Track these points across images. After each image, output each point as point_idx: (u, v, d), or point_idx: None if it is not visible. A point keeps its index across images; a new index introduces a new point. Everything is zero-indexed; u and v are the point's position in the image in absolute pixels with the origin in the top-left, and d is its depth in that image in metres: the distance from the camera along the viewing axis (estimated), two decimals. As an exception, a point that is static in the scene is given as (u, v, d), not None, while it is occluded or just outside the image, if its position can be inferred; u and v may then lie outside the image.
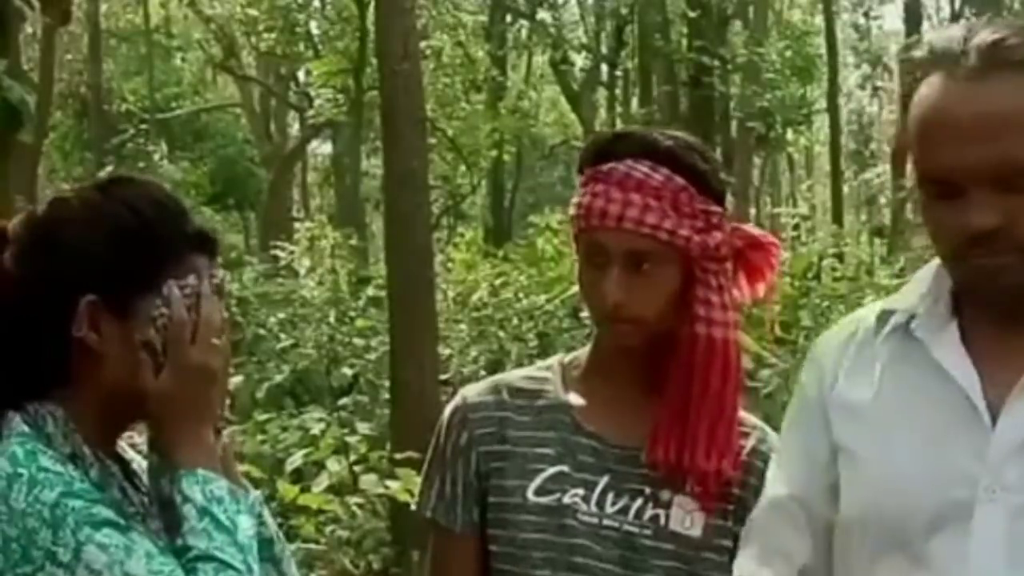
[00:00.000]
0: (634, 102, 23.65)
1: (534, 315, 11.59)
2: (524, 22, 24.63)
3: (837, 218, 21.31)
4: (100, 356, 1.68)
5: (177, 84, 28.06)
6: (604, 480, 2.03)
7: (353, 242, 15.84)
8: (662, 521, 2.02)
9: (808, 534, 1.78)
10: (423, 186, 8.09)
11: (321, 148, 29.95)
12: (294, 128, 28.02)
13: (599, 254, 2.00)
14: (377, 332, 10.90)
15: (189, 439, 1.67)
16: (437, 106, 20.49)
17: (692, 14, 18.47)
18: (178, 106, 26.89)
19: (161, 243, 1.70)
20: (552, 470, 2.04)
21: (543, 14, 23.42)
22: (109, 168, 17.24)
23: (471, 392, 2.15)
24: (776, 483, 1.84)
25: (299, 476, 6.85)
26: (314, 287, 13.97)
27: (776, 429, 1.99)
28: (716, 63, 18.61)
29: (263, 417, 8.26)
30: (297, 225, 20.33)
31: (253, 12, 22.36)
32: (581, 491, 2.03)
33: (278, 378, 10.49)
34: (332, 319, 12.21)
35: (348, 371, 10.68)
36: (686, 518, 2.02)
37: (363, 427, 7.67)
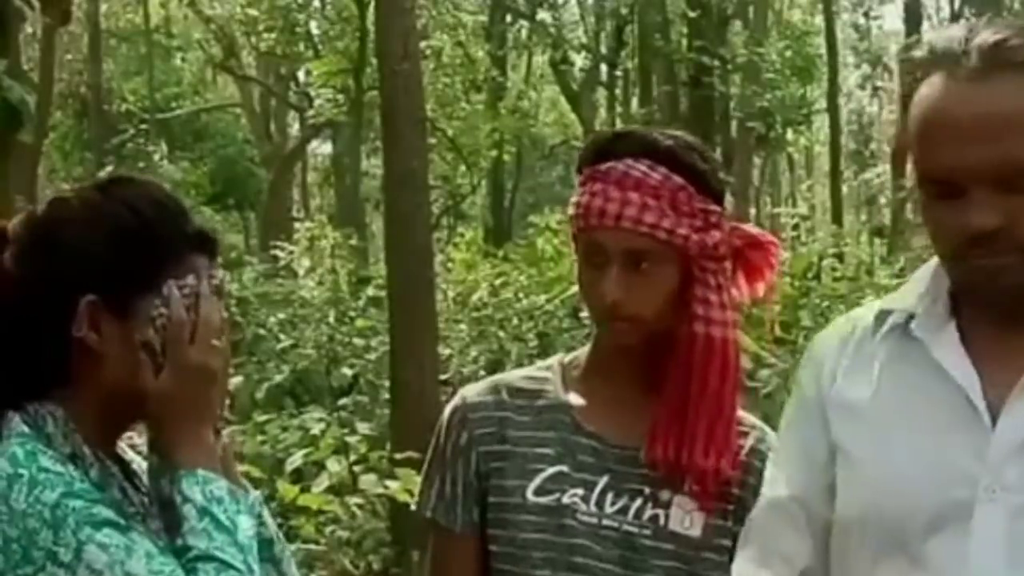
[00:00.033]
0: (634, 102, 23.65)
1: (534, 315, 11.59)
2: (524, 22, 24.64)
3: (837, 218, 21.32)
4: (100, 356, 1.68)
5: (177, 84, 28.06)
6: (604, 480, 2.03)
7: (353, 242, 15.85)
8: (662, 521, 2.02)
9: (808, 535, 1.77)
10: (423, 186, 8.09)
11: (321, 148, 29.98)
12: (294, 128, 28.03)
13: (598, 253, 2.00)
14: (377, 332, 10.90)
15: (189, 439, 1.67)
16: (437, 106, 20.49)
17: (692, 14, 18.48)
18: (178, 106, 26.89)
19: (161, 243, 1.70)
20: (552, 470, 2.04)
21: (543, 14, 23.44)
22: (109, 168, 17.24)
23: (471, 392, 2.15)
24: (775, 483, 1.84)
25: (299, 476, 6.85)
26: (314, 287, 13.97)
27: (775, 429, 1.99)
28: (716, 63, 18.62)
29: (263, 417, 8.26)
30: (297, 225, 20.34)
31: (253, 12, 22.35)
32: (581, 491, 2.03)
33: (278, 378, 10.49)
34: (332, 319, 12.22)
35: (348, 371, 10.68)
36: (686, 518, 2.02)
37: (363, 427, 7.68)
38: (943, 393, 1.67)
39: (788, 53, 21.49)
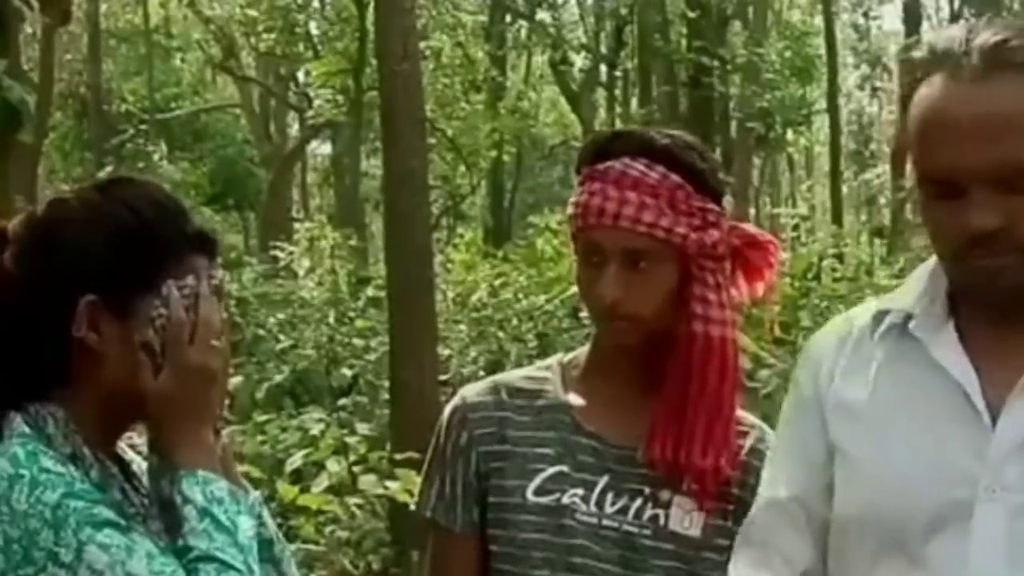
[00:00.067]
0: (634, 102, 23.65)
1: (533, 315, 11.60)
2: (524, 22, 24.63)
3: (837, 218, 21.32)
4: (100, 356, 1.68)
5: (177, 84, 28.07)
6: (604, 480, 2.03)
7: (353, 242, 15.85)
8: (661, 521, 2.02)
9: (808, 534, 1.77)
10: (423, 186, 8.09)
11: (321, 148, 29.98)
12: (294, 128, 28.03)
13: (596, 252, 2.00)
14: (377, 332, 10.90)
15: (189, 440, 1.67)
16: (437, 106, 20.50)
17: (692, 14, 18.48)
18: (178, 106, 26.89)
19: (161, 243, 1.70)
20: (552, 470, 2.04)
21: (543, 14, 23.44)
22: (109, 168, 17.26)
23: (470, 392, 2.15)
24: (774, 483, 1.83)
25: (299, 477, 6.85)
26: (313, 287, 13.97)
27: (775, 429, 1.99)
28: (716, 63, 18.63)
29: (263, 418, 8.26)
30: (297, 225, 20.34)
31: (253, 12, 22.36)
32: (580, 491, 2.02)
33: (278, 379, 10.50)
34: (332, 319, 12.22)
35: (348, 372, 10.69)
36: (685, 518, 2.02)
37: (363, 427, 7.68)
38: (942, 392, 1.67)
39: (788, 53, 21.50)
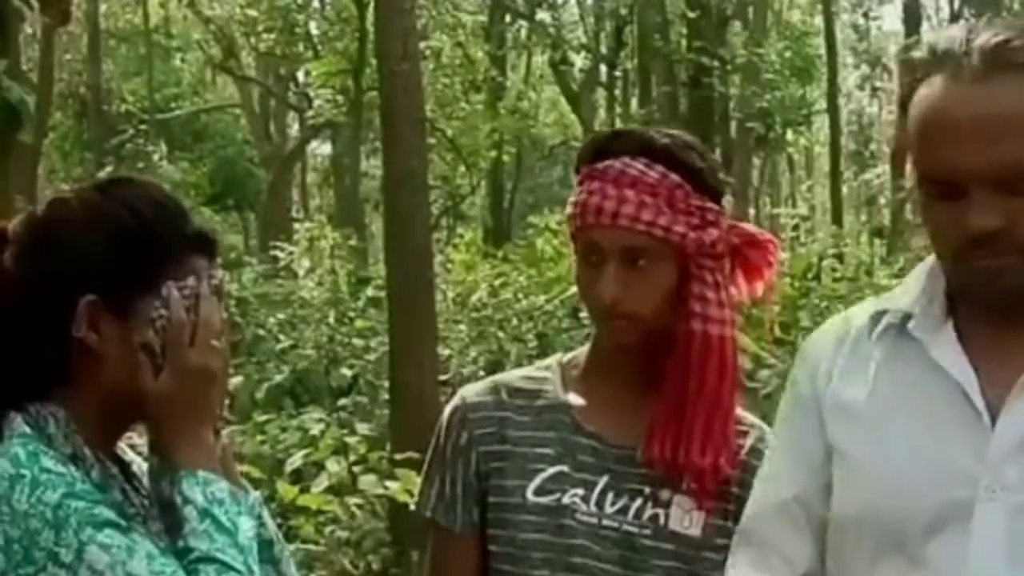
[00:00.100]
0: (633, 102, 23.65)
1: (533, 316, 11.60)
2: (523, 22, 24.63)
3: (837, 219, 21.31)
4: (100, 356, 1.68)
5: (177, 84, 28.06)
6: (604, 480, 2.03)
7: (352, 242, 15.85)
8: (661, 521, 2.02)
9: (808, 534, 1.77)
10: (423, 186, 8.09)
11: (321, 148, 29.97)
12: (294, 128, 28.02)
13: (595, 251, 2.00)
14: (377, 333, 10.90)
15: (189, 440, 1.67)
16: (437, 106, 20.49)
17: (691, 14, 18.48)
18: (178, 106, 26.89)
19: (160, 244, 1.70)
20: (552, 470, 2.04)
21: (542, 14, 23.43)
22: (109, 168, 17.25)
23: (470, 392, 2.15)
24: (773, 483, 1.83)
25: (298, 477, 6.85)
26: (313, 288, 13.98)
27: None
28: (715, 63, 18.63)
29: (262, 418, 8.26)
30: (296, 226, 20.34)
31: (252, 13, 22.35)
32: (581, 491, 2.03)
33: (277, 379, 10.50)
34: (331, 320, 12.22)
35: (347, 372, 10.69)
36: (685, 518, 2.02)
37: (362, 428, 7.68)
38: (941, 392, 1.67)
39: (787, 54, 21.49)
